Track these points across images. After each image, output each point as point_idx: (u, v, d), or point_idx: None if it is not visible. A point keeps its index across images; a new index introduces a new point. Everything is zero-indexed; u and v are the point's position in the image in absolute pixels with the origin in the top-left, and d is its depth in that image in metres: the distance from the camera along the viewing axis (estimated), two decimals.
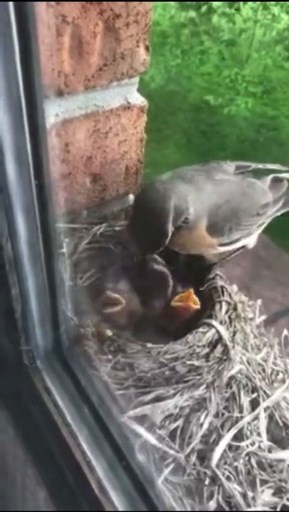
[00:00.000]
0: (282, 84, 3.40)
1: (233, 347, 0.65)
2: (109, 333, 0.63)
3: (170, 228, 0.62)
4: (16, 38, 0.38)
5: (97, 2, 0.63)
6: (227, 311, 0.68)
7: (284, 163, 0.79)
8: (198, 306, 0.67)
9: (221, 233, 0.68)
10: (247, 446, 0.59)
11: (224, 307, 0.68)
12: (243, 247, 0.75)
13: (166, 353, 0.62)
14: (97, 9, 0.64)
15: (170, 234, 0.62)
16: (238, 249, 0.75)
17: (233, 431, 0.59)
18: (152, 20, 0.70)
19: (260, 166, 0.76)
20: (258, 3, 3.70)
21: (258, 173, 0.76)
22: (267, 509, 0.56)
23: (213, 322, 0.65)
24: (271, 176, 0.76)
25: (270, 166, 0.78)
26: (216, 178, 0.69)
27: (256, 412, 0.61)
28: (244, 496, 0.56)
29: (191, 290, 0.68)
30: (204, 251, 0.72)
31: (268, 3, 3.69)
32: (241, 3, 3.74)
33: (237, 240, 0.71)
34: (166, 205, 0.62)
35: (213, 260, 0.75)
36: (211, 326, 0.65)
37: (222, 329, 0.65)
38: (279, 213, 0.76)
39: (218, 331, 0.65)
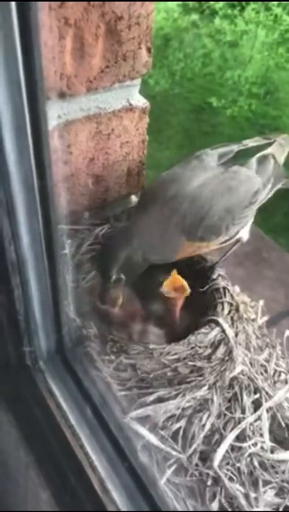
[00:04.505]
0: (284, 84, 3.40)
1: (236, 348, 0.65)
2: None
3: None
4: (18, 41, 0.38)
5: (99, 5, 0.63)
6: (229, 312, 0.68)
7: (264, 136, 0.76)
8: (188, 291, 0.68)
9: (219, 233, 0.68)
10: (249, 447, 0.59)
11: (226, 308, 0.68)
12: (238, 241, 0.74)
13: (168, 353, 0.62)
14: (99, 11, 0.64)
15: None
16: (234, 244, 0.74)
17: (236, 432, 0.59)
18: (155, 24, 0.70)
19: (242, 147, 0.74)
20: (260, 4, 3.71)
21: (243, 155, 0.73)
22: (269, 510, 0.56)
23: (220, 320, 0.65)
24: (256, 156, 0.73)
25: (251, 144, 0.75)
26: (200, 180, 0.68)
27: (258, 412, 0.61)
28: (246, 496, 0.56)
29: (174, 272, 0.68)
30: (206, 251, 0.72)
31: (270, 4, 3.69)
32: (244, 3, 3.74)
33: (236, 234, 0.71)
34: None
35: (213, 258, 0.75)
36: (217, 323, 0.65)
37: (227, 327, 0.65)
38: (270, 195, 0.74)
39: (223, 330, 0.65)
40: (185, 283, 0.68)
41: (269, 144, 0.76)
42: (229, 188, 0.68)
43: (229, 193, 0.68)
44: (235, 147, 0.73)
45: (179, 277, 0.68)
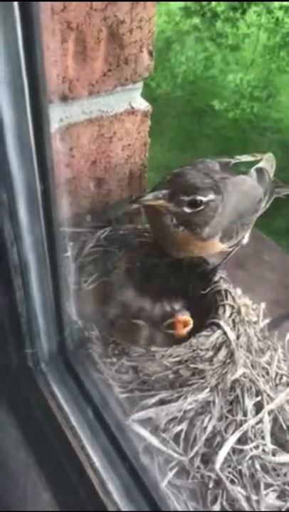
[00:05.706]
0: (286, 87, 3.41)
1: (237, 350, 0.65)
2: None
3: None
4: (21, 45, 0.38)
5: (101, 9, 0.64)
6: (231, 315, 0.68)
7: (252, 154, 0.80)
8: (189, 327, 0.66)
9: (230, 237, 0.68)
10: (251, 449, 0.59)
11: (228, 311, 0.68)
12: (238, 244, 0.75)
13: (170, 356, 0.62)
14: (101, 15, 0.64)
15: None
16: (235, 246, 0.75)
17: (237, 434, 0.59)
18: (157, 28, 0.70)
19: (236, 160, 0.76)
20: (262, 7, 3.71)
21: (240, 168, 0.76)
22: None
23: (222, 323, 0.66)
24: (254, 168, 0.76)
25: (243, 159, 0.78)
26: (217, 177, 0.68)
27: (260, 415, 0.61)
28: (248, 499, 0.56)
29: (178, 318, 0.66)
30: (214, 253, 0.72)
31: (271, 7, 3.69)
32: (245, 5, 3.74)
33: (242, 238, 0.72)
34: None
35: (215, 261, 0.75)
36: (218, 326, 0.65)
37: (229, 330, 0.65)
38: (268, 205, 0.76)
39: (225, 332, 0.65)
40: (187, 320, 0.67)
41: (258, 160, 0.79)
42: (240, 192, 0.70)
43: (242, 198, 0.70)
44: (231, 160, 0.76)
45: (184, 318, 0.67)
